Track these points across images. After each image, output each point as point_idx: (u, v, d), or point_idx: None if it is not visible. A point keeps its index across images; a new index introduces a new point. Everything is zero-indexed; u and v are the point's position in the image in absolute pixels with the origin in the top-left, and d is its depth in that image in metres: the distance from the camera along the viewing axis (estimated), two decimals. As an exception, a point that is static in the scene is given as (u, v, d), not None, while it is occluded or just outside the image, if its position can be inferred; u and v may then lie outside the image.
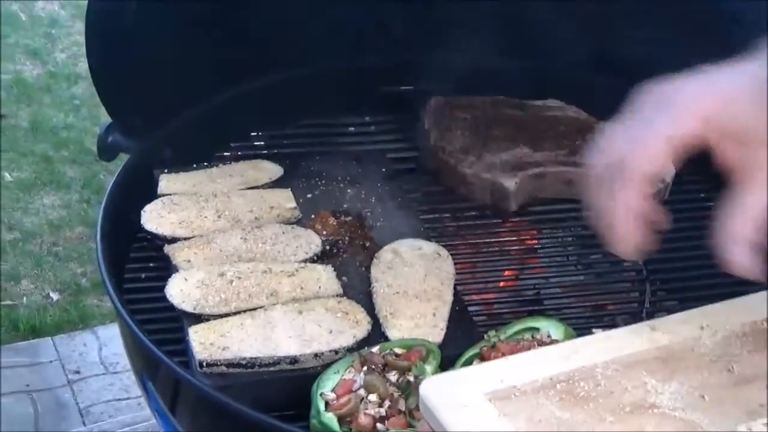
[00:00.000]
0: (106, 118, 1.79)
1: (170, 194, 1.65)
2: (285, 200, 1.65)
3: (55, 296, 3.38)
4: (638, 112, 1.14)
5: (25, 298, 3.35)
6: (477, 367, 1.22)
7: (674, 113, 1.12)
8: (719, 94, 1.13)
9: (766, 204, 1.13)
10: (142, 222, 1.59)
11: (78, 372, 3.11)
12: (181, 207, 1.61)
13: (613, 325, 1.56)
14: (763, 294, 1.26)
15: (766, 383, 1.15)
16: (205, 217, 1.60)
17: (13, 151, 3.99)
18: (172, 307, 1.44)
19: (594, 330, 1.34)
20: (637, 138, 1.13)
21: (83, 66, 4.54)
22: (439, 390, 1.12)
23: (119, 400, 3.04)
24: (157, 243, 1.58)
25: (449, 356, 1.36)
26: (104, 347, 3.20)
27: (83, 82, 4.41)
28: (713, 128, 1.12)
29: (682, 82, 1.13)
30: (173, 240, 1.56)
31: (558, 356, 1.19)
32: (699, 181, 1.85)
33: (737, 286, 1.57)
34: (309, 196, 1.70)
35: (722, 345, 1.20)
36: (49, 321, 3.26)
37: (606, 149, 1.14)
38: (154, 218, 1.59)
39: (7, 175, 3.86)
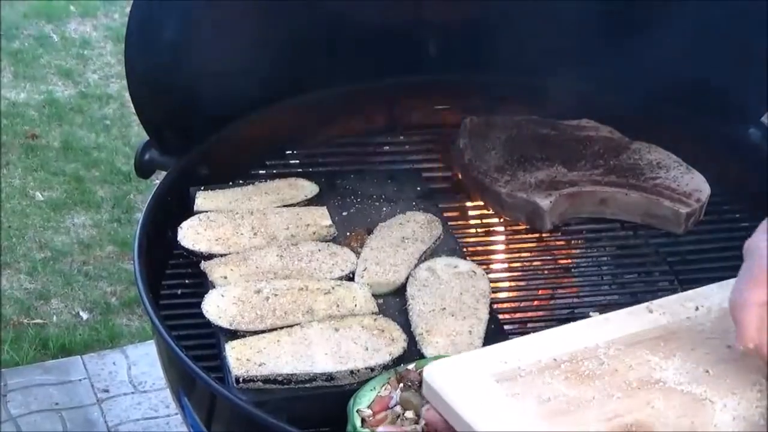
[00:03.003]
0: (136, 139, 1.81)
1: (206, 211, 1.66)
2: (321, 218, 1.65)
3: (84, 315, 3.39)
4: None
5: (54, 317, 3.37)
6: (479, 351, 1.23)
7: None
8: None
9: None
10: (178, 238, 1.59)
11: (107, 391, 3.11)
12: (217, 224, 1.62)
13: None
14: None
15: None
16: (242, 234, 1.60)
17: (44, 170, 4.02)
18: (208, 324, 1.44)
19: (591, 313, 1.36)
20: None
21: (114, 87, 4.58)
22: (444, 373, 1.14)
23: (147, 419, 3.04)
24: (193, 259, 1.59)
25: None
26: (133, 366, 3.20)
27: (114, 102, 4.44)
28: None
29: None
30: (209, 257, 1.57)
31: (559, 338, 1.21)
32: (734, 202, 1.84)
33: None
34: (344, 213, 1.70)
35: (718, 322, 1.23)
36: (78, 340, 3.27)
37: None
38: (190, 235, 1.60)
39: (38, 194, 3.89)
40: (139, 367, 3.18)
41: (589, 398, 1.13)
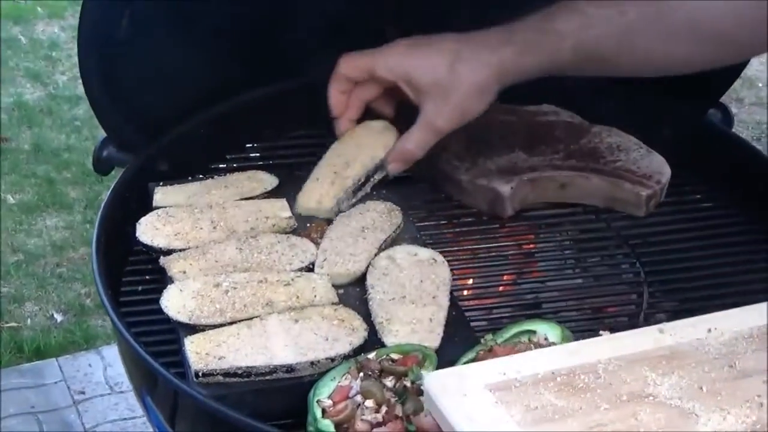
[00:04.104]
0: (105, 137, 1.80)
1: (165, 206, 1.65)
2: (280, 210, 1.64)
3: (59, 317, 3.38)
4: None
5: (29, 320, 3.36)
6: (482, 363, 1.24)
7: (377, 55, 1.66)
8: (412, 54, 1.64)
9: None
10: (137, 234, 1.59)
11: (83, 392, 3.11)
12: (176, 219, 1.61)
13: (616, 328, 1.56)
14: None
15: (765, 377, 1.16)
16: (201, 228, 1.59)
17: (15, 173, 4.01)
18: (169, 320, 1.44)
19: (601, 332, 1.35)
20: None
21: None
22: (443, 381, 1.16)
23: (125, 419, 3.05)
24: (152, 256, 1.58)
25: (446, 361, 1.36)
26: (109, 367, 3.20)
27: (84, 103, 4.43)
28: (399, 77, 1.64)
29: (407, 42, 1.66)
30: (169, 252, 1.56)
31: (562, 353, 1.21)
32: (695, 183, 1.85)
33: (738, 286, 1.59)
34: (305, 205, 1.69)
35: (728, 345, 1.22)
36: (53, 342, 3.26)
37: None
38: (149, 231, 1.59)
39: (9, 197, 3.87)
40: (115, 368, 3.18)
41: (576, 408, 1.13)
